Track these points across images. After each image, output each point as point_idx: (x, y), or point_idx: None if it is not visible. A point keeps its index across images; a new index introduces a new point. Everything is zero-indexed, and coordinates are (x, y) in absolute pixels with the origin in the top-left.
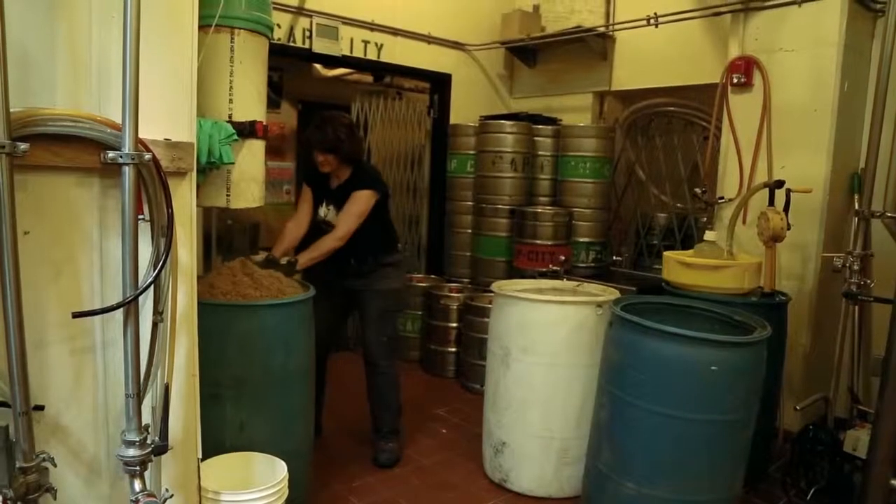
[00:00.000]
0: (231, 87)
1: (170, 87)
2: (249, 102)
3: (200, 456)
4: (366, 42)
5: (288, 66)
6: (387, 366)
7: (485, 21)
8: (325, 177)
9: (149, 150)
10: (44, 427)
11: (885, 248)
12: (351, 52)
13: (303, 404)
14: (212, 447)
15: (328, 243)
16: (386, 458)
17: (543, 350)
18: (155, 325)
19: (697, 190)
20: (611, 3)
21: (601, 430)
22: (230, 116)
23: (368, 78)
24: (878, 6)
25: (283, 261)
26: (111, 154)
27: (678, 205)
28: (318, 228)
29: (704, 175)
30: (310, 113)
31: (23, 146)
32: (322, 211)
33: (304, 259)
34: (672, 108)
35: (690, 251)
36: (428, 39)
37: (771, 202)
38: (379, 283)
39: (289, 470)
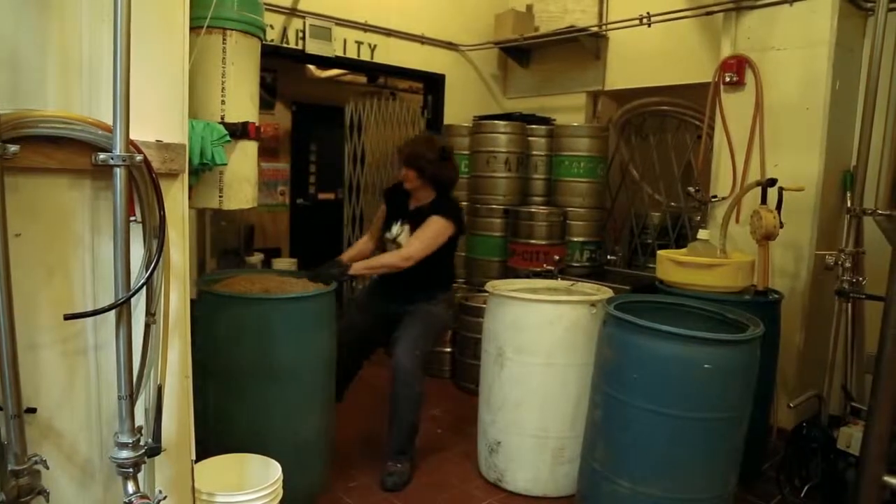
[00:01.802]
0: (223, 89)
1: (161, 89)
2: (242, 104)
3: (194, 457)
4: (359, 43)
5: (281, 67)
6: (414, 379)
7: (478, 21)
8: (405, 196)
9: (140, 152)
10: (36, 429)
11: (877, 246)
12: (344, 52)
13: (319, 396)
14: (227, 437)
15: (391, 259)
16: (391, 482)
17: (537, 350)
18: (147, 327)
19: (691, 189)
20: (604, 3)
21: (596, 429)
22: (222, 118)
23: (362, 79)
24: (869, 5)
25: (337, 264)
26: (102, 156)
27: (672, 204)
28: (385, 247)
29: (698, 174)
30: (304, 114)
31: (13, 148)
32: (395, 229)
33: (360, 267)
34: (665, 108)
35: (684, 250)
36: (421, 40)
37: (764, 200)
38: (430, 304)
39: (302, 458)
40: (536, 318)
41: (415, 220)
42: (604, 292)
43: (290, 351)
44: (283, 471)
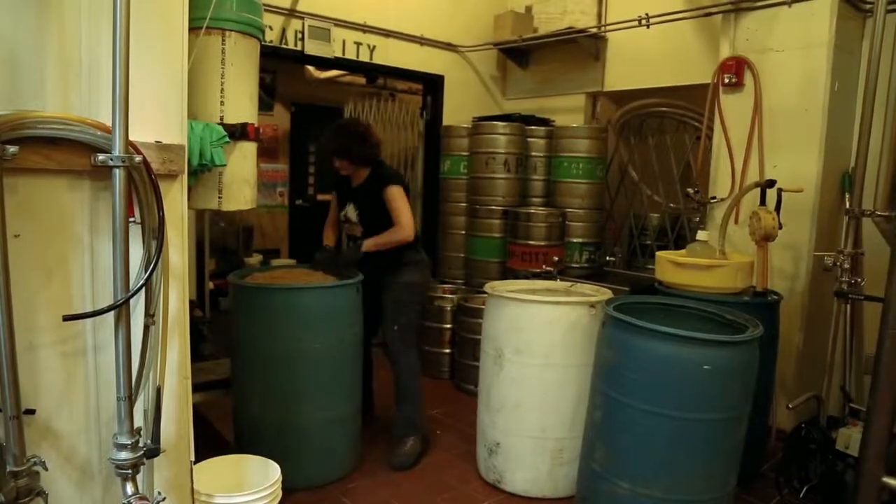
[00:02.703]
0: (222, 90)
1: (160, 90)
2: (241, 104)
3: (193, 458)
4: (358, 44)
5: (280, 68)
6: (399, 353)
7: (477, 22)
8: (347, 179)
9: (139, 153)
10: (35, 431)
11: (876, 247)
12: (343, 53)
13: (351, 376)
14: (274, 412)
15: (395, 234)
16: (398, 461)
17: (537, 351)
18: (146, 328)
19: (690, 190)
20: (602, 4)
21: (595, 430)
22: (221, 118)
23: (361, 80)
24: (868, 6)
25: (349, 245)
26: (101, 157)
27: (671, 205)
28: (342, 227)
29: (696, 175)
30: (303, 115)
31: (12, 149)
32: (346, 210)
33: (370, 243)
34: (664, 109)
35: (683, 251)
36: (420, 41)
37: (762, 202)
38: (396, 276)
39: (340, 433)
40: (535, 319)
41: (359, 196)
42: (603, 293)
43: (320, 336)
44: (315, 447)
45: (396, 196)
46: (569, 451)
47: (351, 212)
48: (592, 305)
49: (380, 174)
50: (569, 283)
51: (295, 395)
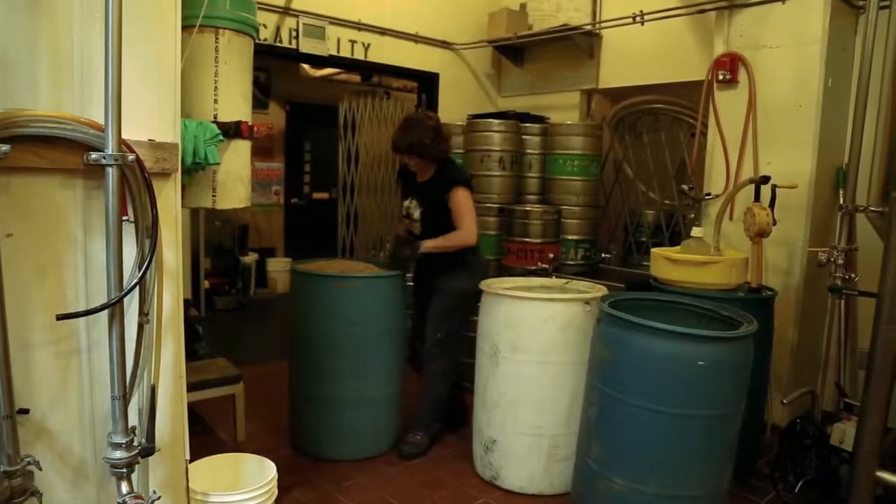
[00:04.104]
0: (216, 88)
1: (153, 88)
2: (235, 103)
3: (188, 457)
4: (353, 42)
5: (275, 66)
6: (434, 359)
7: (472, 20)
8: (412, 173)
9: (132, 151)
10: (29, 430)
11: (870, 242)
12: (338, 51)
13: (390, 359)
14: (327, 394)
15: (457, 239)
16: (407, 449)
17: (532, 348)
18: (141, 327)
19: (685, 186)
20: (597, 2)
21: (590, 427)
22: (215, 117)
23: (356, 78)
24: (861, 3)
25: (408, 244)
26: (94, 155)
27: (666, 201)
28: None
29: (691, 172)
30: (297, 113)
31: (4, 148)
32: (406, 204)
33: (430, 245)
34: (659, 106)
35: (678, 247)
36: (415, 39)
37: (757, 198)
38: (446, 283)
39: (382, 411)
40: (531, 316)
41: (423, 194)
42: (598, 290)
43: (370, 322)
44: (364, 422)
45: (461, 198)
46: (564, 447)
47: (413, 208)
48: (587, 302)
49: (446, 173)
50: (564, 280)
51: (349, 373)
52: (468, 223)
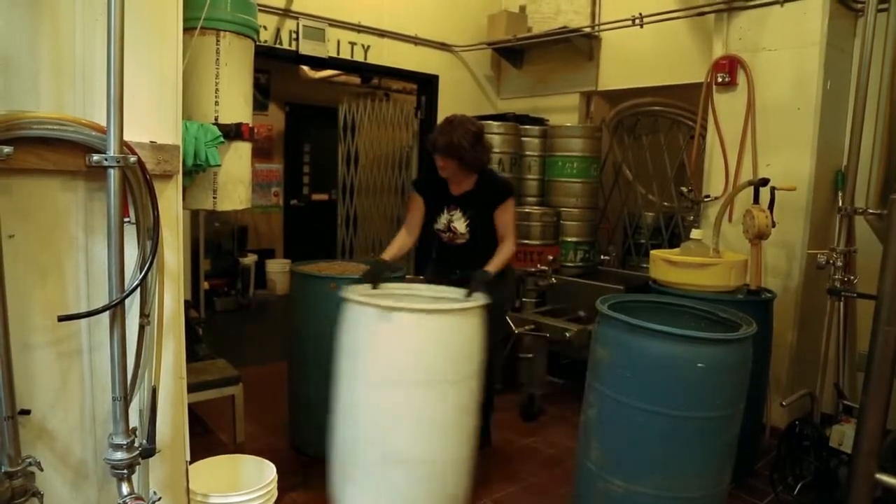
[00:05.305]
0: (217, 90)
1: (155, 90)
2: (235, 104)
3: (188, 458)
4: (352, 44)
5: (275, 68)
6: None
7: (471, 22)
8: (443, 184)
9: (134, 153)
10: (30, 431)
11: (869, 245)
12: (338, 53)
13: None
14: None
15: (510, 252)
16: None
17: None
18: (142, 328)
19: (684, 189)
20: (596, 4)
21: (589, 429)
22: (216, 119)
23: (356, 79)
24: (859, 6)
25: (475, 272)
26: (96, 157)
27: (665, 203)
28: (434, 236)
29: (690, 174)
30: (297, 115)
31: (6, 149)
32: (444, 218)
33: (496, 266)
34: (658, 108)
35: (677, 249)
36: (415, 41)
37: (756, 200)
38: (495, 291)
39: None
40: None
41: (465, 204)
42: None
43: None
44: None
45: (512, 209)
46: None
47: (458, 221)
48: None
49: (496, 182)
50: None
51: None
52: (514, 235)
